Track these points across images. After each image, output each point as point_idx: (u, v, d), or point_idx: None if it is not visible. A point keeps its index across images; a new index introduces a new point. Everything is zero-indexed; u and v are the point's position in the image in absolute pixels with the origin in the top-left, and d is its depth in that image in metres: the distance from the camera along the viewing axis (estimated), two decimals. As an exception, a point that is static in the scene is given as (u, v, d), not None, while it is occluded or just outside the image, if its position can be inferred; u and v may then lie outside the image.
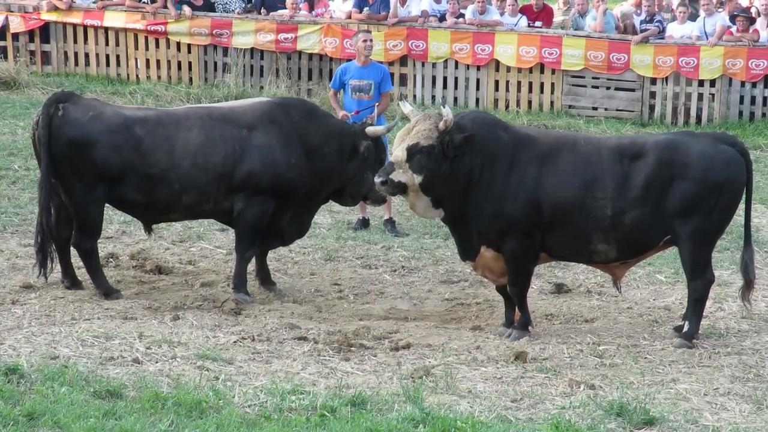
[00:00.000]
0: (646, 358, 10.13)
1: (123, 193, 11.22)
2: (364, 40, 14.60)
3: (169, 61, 23.49)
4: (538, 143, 10.49)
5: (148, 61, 23.56)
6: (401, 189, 10.30)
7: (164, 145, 11.20)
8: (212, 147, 11.26)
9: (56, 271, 11.55)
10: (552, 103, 22.45)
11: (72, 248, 11.49)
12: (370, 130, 11.82)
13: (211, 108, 11.87)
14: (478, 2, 22.30)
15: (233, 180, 11.31)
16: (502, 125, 10.64)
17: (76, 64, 23.72)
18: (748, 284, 10.68)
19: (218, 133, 11.34)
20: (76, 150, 11.02)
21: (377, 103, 14.26)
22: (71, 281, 11.55)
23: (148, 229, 11.86)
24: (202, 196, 11.32)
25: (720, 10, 22.53)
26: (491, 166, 10.33)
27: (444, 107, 10.30)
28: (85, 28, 23.50)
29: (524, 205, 10.30)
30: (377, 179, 10.32)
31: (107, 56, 23.62)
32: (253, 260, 11.94)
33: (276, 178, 11.38)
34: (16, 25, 23.62)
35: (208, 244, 13.55)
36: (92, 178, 11.09)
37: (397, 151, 10.27)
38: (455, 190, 10.35)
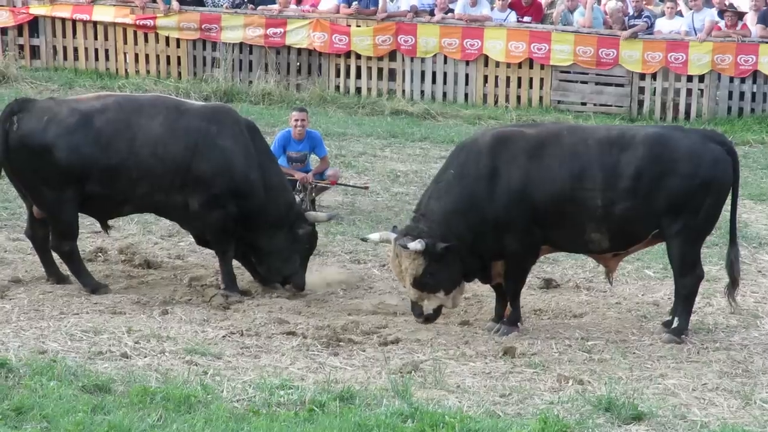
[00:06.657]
0: (634, 353, 10.15)
1: (90, 188, 11.07)
2: (296, 120, 14.68)
3: (158, 56, 23.46)
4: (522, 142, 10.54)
5: (137, 55, 23.54)
6: (440, 310, 10.70)
7: (125, 132, 11.08)
8: (174, 138, 11.18)
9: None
10: (541, 98, 22.46)
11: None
12: (310, 215, 11.95)
13: (178, 102, 11.81)
14: (468, -4, 22.36)
15: (189, 174, 11.21)
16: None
17: (65, 58, 23.70)
18: (734, 282, 10.69)
19: (182, 125, 11.25)
20: (38, 158, 10.90)
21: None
22: (56, 278, 11.50)
23: (105, 227, 11.75)
24: (155, 186, 11.17)
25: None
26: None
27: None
28: (74, 22, 23.48)
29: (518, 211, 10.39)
30: (419, 321, 10.65)
31: (96, 50, 23.60)
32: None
33: (231, 183, 11.33)
34: (5, 19, 23.59)
35: (197, 238, 13.51)
36: (59, 181, 10.96)
37: (410, 294, 10.56)
38: (464, 258, 10.54)
